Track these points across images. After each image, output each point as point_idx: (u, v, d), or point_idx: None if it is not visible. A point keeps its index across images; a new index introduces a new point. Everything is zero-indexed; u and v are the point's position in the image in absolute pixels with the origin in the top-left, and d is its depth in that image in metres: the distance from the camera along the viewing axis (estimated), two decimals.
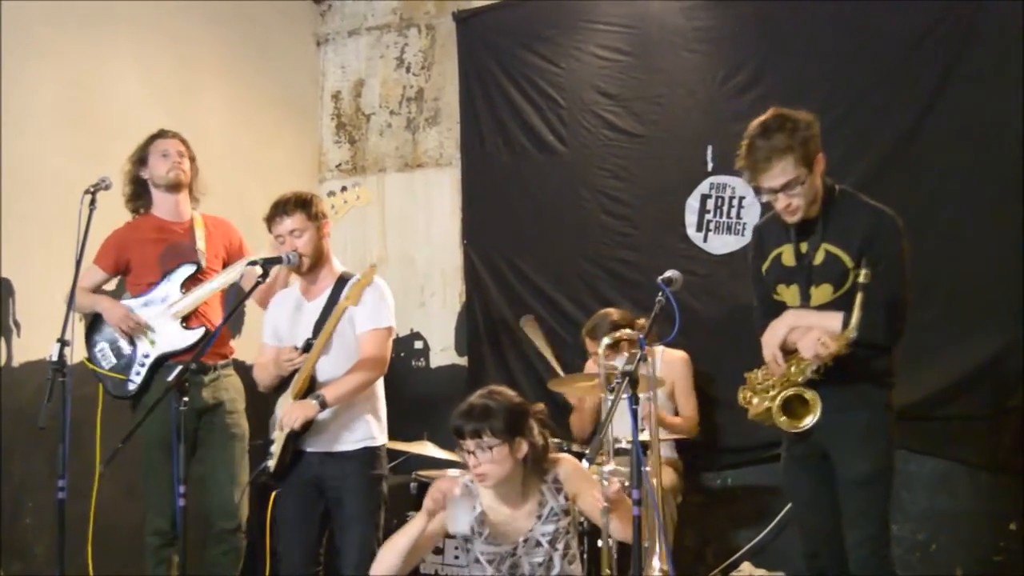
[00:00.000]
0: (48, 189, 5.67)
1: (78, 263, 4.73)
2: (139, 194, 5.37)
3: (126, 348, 5.21)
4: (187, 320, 5.20)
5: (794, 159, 3.99)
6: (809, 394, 4.01)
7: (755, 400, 4.20)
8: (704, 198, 6.40)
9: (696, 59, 6.48)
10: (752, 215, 6.23)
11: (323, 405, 4.52)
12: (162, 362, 5.14)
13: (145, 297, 5.23)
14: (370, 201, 5.08)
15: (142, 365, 5.16)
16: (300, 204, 4.65)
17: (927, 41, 5.88)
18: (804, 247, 4.13)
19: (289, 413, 4.51)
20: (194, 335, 5.16)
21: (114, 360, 5.22)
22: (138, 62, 6.42)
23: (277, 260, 4.64)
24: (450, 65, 7.36)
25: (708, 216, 6.39)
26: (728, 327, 6.18)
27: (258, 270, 4.58)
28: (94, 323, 5.30)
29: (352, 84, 7.78)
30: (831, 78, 6.05)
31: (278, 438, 4.63)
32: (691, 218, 6.42)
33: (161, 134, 5.41)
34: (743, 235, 6.27)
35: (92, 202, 4.80)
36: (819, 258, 4.09)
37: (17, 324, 5.65)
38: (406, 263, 7.45)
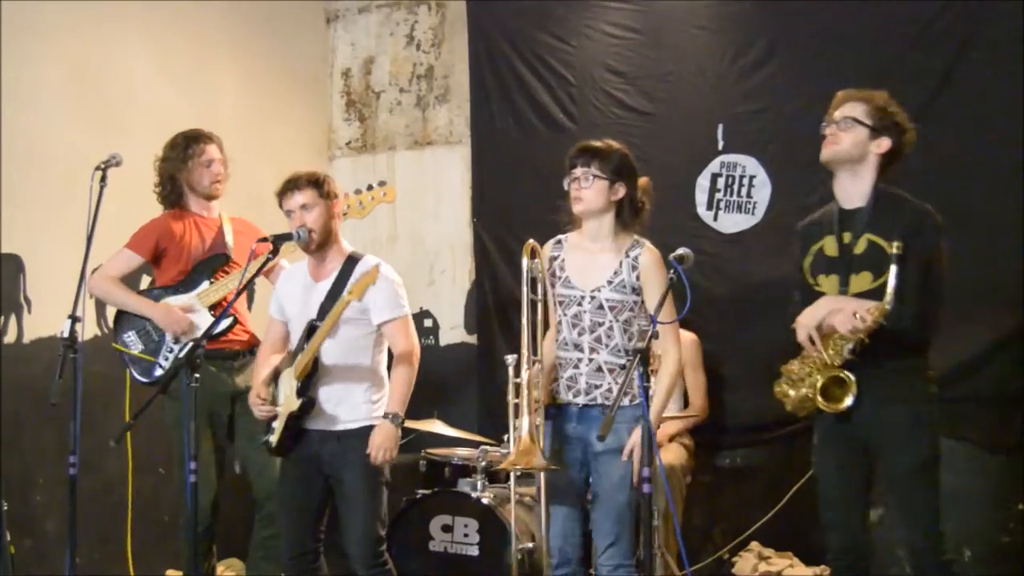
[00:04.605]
0: (58, 165, 5.68)
1: (89, 239, 4.73)
2: (174, 192, 5.38)
3: (155, 334, 5.25)
4: (215, 309, 5.22)
5: (863, 108, 4.23)
6: (847, 375, 4.07)
7: (791, 392, 4.26)
8: (714, 177, 6.38)
9: (706, 37, 6.46)
10: (763, 194, 6.23)
11: (398, 420, 4.58)
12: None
13: (175, 286, 5.27)
14: (396, 198, 5.10)
15: (170, 351, 5.19)
16: (312, 181, 4.65)
17: (936, 24, 5.85)
18: (847, 237, 4.22)
19: (379, 448, 4.54)
20: (223, 323, 5.18)
21: (142, 345, 5.26)
22: (148, 38, 6.41)
23: (288, 236, 4.63)
24: (460, 42, 7.35)
25: (718, 195, 6.38)
26: (738, 306, 6.19)
27: (269, 245, 4.60)
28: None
29: (362, 61, 7.77)
30: (841, 58, 6.01)
31: (280, 414, 4.64)
32: (701, 197, 6.41)
33: (203, 137, 5.39)
34: (753, 214, 6.27)
35: (103, 179, 4.81)
36: (860, 247, 4.17)
37: (28, 300, 5.67)
38: (416, 241, 7.45)
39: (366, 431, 4.63)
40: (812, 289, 4.30)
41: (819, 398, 4.11)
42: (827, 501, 4.34)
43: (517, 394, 4.39)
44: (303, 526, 4.71)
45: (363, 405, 4.65)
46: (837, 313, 4.05)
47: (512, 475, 5.18)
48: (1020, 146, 5.60)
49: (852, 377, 4.06)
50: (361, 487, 4.61)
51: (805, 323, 4.15)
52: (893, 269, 3.94)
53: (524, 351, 4.29)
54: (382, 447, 4.52)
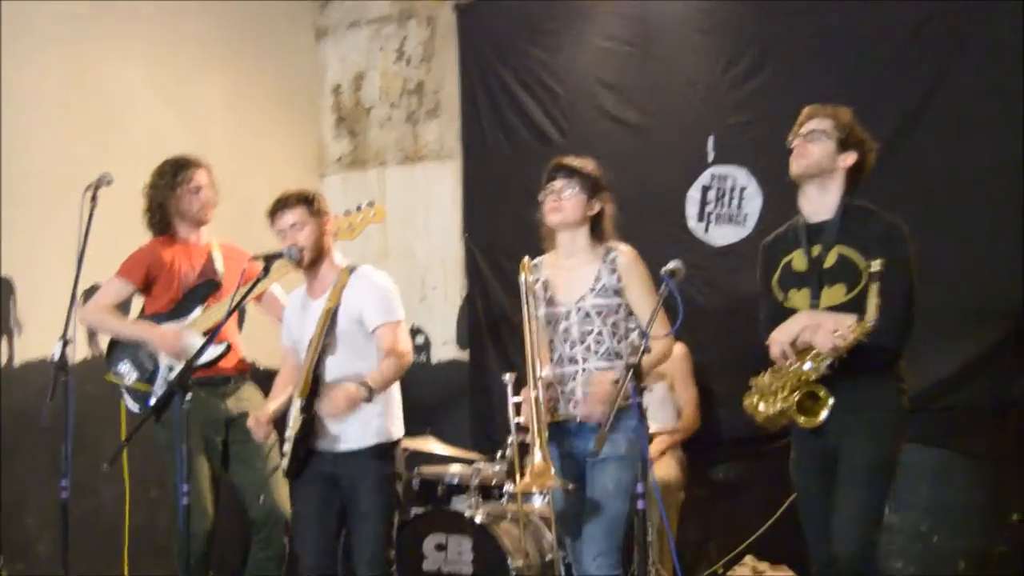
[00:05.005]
0: (48, 185, 5.68)
1: (79, 260, 4.73)
2: (163, 219, 5.35)
3: (148, 363, 5.22)
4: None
5: (830, 123, 4.24)
6: (821, 390, 4.04)
7: (762, 405, 4.21)
8: (705, 189, 6.38)
9: (697, 48, 6.45)
10: (753, 206, 6.22)
11: (369, 390, 4.45)
12: None
13: (168, 314, 5.24)
14: (385, 218, 5.10)
15: (165, 379, 5.16)
16: (301, 199, 4.65)
17: (927, 30, 5.84)
18: (816, 250, 4.19)
19: (330, 402, 4.43)
20: (218, 349, 5.15)
21: (136, 374, 5.22)
22: (139, 55, 6.42)
23: (278, 255, 4.63)
24: (450, 57, 7.35)
25: (709, 207, 6.38)
26: (729, 319, 6.16)
27: (260, 264, 4.59)
28: (116, 340, 5.32)
29: (352, 77, 7.77)
30: (832, 67, 6.01)
31: (289, 437, 4.62)
32: (692, 209, 6.41)
33: (191, 163, 5.36)
34: (744, 226, 6.26)
35: (93, 199, 4.82)
36: (831, 260, 4.15)
37: (19, 324, 5.65)
38: (407, 257, 7.45)
39: (379, 449, 4.62)
40: (781, 305, 4.27)
41: (799, 416, 4.07)
42: (807, 516, 4.34)
43: (517, 412, 4.40)
44: (324, 546, 4.71)
45: (374, 420, 4.62)
46: (816, 330, 4.01)
47: (510, 494, 5.19)
48: (1017, 152, 5.60)
49: (827, 391, 4.03)
50: (374, 508, 4.60)
51: (779, 339, 4.12)
52: (874, 288, 3.90)
53: (529, 369, 4.29)
54: (333, 402, 4.41)
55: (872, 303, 3.89)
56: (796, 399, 4.07)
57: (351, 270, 4.70)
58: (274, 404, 4.71)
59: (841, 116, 4.25)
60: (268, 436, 4.66)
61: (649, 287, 4.37)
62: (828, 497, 4.18)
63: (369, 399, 4.46)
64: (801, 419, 4.08)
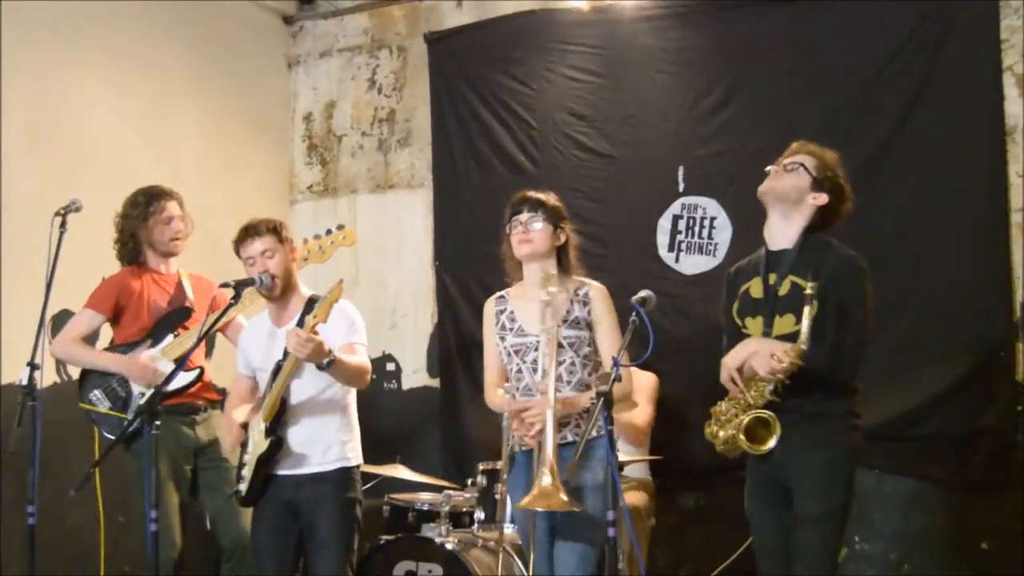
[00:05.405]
0: (19, 211, 5.64)
1: (48, 285, 4.70)
2: (134, 249, 5.35)
3: (121, 391, 5.20)
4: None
5: (812, 160, 4.25)
6: (769, 416, 4.03)
7: (721, 433, 4.21)
8: (675, 219, 6.41)
9: (667, 80, 6.51)
10: (724, 236, 6.26)
11: (331, 358, 4.39)
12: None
13: (138, 342, 5.22)
14: (355, 241, 5.11)
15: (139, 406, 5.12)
16: (270, 227, 4.66)
17: (896, 61, 5.92)
18: (772, 278, 4.21)
19: (305, 335, 4.31)
20: (189, 376, 5.15)
21: (109, 402, 5.19)
22: (109, 84, 6.40)
23: (250, 282, 4.61)
24: (422, 86, 7.37)
25: (680, 236, 6.41)
26: (700, 347, 6.15)
27: (230, 292, 4.57)
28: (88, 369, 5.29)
29: (323, 105, 7.78)
30: (801, 98, 6.09)
31: (249, 462, 4.60)
32: (663, 239, 6.44)
33: (164, 194, 5.36)
34: (714, 255, 6.29)
35: (62, 224, 4.80)
36: (784, 289, 4.16)
37: None
38: (378, 285, 7.43)
39: (339, 474, 4.63)
40: (740, 332, 4.29)
41: (742, 437, 4.06)
42: (758, 542, 4.30)
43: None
44: (283, 573, 4.68)
45: (335, 446, 4.64)
46: (756, 355, 4.04)
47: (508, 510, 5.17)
48: (986, 182, 5.69)
49: (776, 418, 4.01)
50: (335, 533, 4.59)
51: (727, 364, 4.15)
52: (806, 310, 3.92)
53: (550, 389, 4.24)
54: (306, 335, 4.31)
55: (804, 325, 3.92)
56: (743, 424, 4.07)
57: (317, 300, 4.67)
58: (241, 416, 4.68)
59: (826, 157, 4.27)
60: (241, 439, 4.62)
61: (616, 328, 4.41)
62: (778, 524, 4.17)
63: (326, 367, 4.39)
64: (745, 443, 4.07)
